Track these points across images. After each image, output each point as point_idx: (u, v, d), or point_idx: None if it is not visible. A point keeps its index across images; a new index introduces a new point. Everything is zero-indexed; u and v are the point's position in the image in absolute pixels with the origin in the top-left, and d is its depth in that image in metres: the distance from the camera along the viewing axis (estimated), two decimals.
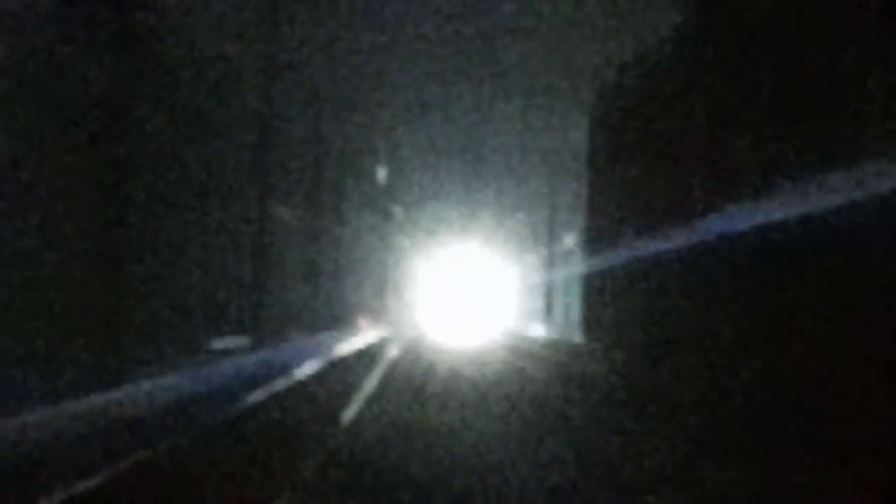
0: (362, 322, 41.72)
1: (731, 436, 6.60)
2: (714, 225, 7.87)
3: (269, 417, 6.89)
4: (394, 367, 14.46)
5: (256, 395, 6.94)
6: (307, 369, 9.87)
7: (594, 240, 13.29)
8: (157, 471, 4.78)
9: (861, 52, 6.32)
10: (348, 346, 22.42)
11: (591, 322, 13.24)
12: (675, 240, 8.89)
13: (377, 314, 49.06)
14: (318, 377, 9.52)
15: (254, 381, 10.05)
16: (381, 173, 39.72)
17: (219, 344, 17.97)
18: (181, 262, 15.19)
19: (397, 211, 50.17)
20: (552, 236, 37.87)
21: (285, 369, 12.08)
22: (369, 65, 32.03)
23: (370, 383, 10.50)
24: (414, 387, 10.81)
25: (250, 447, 6.18)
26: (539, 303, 44.15)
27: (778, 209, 7.11)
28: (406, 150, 39.04)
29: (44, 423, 6.87)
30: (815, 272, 6.39)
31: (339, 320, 34.87)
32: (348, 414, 8.55)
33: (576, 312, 35.30)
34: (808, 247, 6.43)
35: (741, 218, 7.31)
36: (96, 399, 7.88)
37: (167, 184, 15.41)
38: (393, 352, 20.03)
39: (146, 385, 9.20)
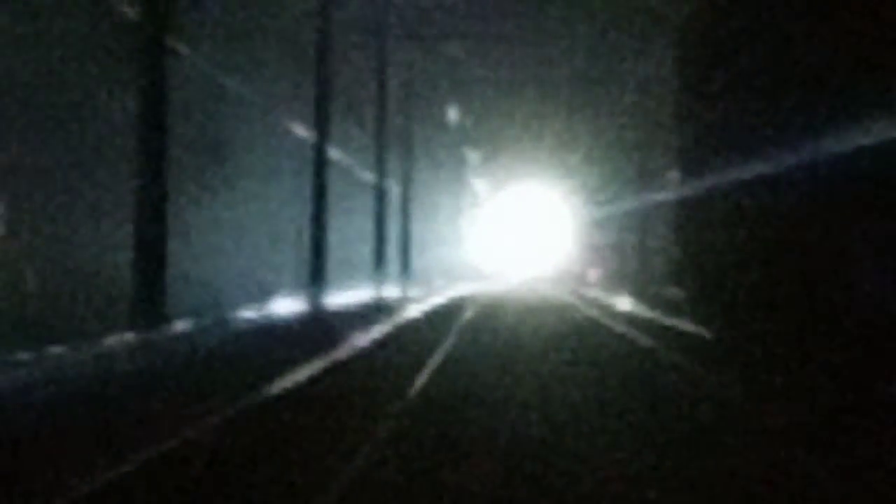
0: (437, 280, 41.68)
1: None
2: (848, 137, 7.48)
3: None
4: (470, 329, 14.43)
5: None
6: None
7: (692, 164, 12.88)
8: None
9: None
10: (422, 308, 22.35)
11: (687, 269, 12.89)
12: (800, 156, 8.43)
13: (446, 268, 48.91)
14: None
15: None
16: (452, 113, 39.49)
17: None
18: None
19: (472, 156, 49.86)
20: (644, 179, 37.19)
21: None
22: None
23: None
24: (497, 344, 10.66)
25: None
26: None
27: None
28: (479, 88, 38.71)
29: None
30: None
31: (414, 275, 34.91)
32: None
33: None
34: None
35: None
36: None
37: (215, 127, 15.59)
38: (467, 314, 20.04)
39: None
